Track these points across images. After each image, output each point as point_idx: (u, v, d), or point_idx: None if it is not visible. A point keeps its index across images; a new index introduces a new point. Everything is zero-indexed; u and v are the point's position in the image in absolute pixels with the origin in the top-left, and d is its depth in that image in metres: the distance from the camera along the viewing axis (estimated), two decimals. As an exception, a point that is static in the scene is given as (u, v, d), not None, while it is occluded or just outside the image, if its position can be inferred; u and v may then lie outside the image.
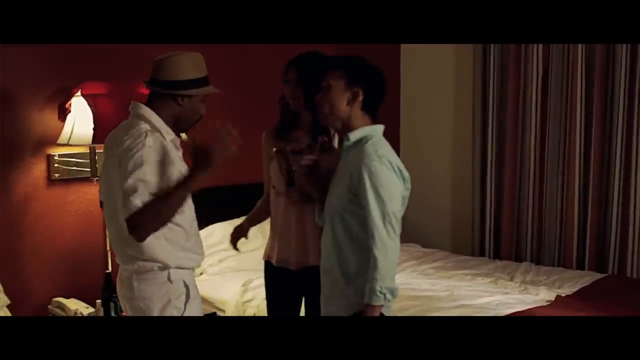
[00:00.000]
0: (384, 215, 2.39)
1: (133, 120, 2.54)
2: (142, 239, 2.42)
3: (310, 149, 2.74)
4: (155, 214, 2.41)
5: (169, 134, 2.56)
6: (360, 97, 2.48)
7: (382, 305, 2.41)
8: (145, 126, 2.50)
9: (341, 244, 2.50)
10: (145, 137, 2.44)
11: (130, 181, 2.39)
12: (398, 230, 2.44)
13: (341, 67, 2.51)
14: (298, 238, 2.95)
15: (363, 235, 2.43)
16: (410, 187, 2.55)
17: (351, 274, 2.49)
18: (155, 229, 2.43)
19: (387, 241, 2.39)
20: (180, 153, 2.62)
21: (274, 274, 3.07)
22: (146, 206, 2.39)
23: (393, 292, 2.42)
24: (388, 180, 2.41)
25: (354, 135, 2.50)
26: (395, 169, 2.45)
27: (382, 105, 2.59)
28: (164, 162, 2.46)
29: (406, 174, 2.51)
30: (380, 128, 2.55)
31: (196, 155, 2.49)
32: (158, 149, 2.46)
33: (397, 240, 2.44)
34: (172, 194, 2.45)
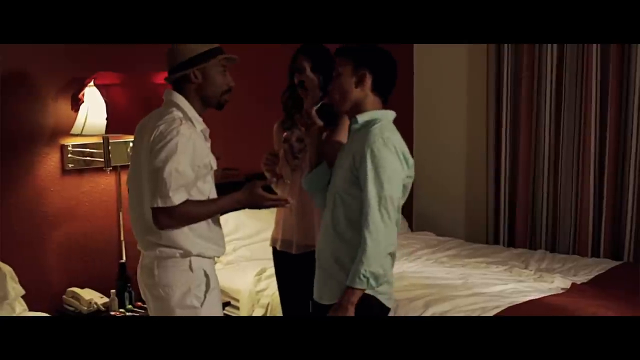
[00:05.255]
0: (380, 198, 2.35)
1: (166, 108, 2.54)
2: (162, 229, 2.47)
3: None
4: (187, 217, 2.47)
5: (199, 124, 2.56)
6: (369, 79, 2.47)
7: (362, 290, 2.37)
8: (178, 114, 2.50)
9: (338, 226, 2.47)
10: (180, 125, 2.44)
11: (165, 170, 2.39)
12: (394, 215, 2.39)
13: (347, 53, 2.51)
14: (299, 222, 2.98)
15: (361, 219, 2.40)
16: (413, 175, 2.50)
17: (345, 257, 2.45)
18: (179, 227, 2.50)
19: (379, 225, 2.35)
20: (208, 144, 2.62)
21: (277, 260, 3.14)
22: (183, 207, 2.42)
23: (378, 278, 2.37)
24: (390, 163, 2.38)
25: (362, 118, 2.49)
26: (399, 153, 2.41)
27: (394, 98, 2.57)
28: (194, 152, 2.46)
29: (411, 160, 2.48)
30: (390, 113, 2.53)
31: (250, 192, 2.55)
32: (190, 138, 2.45)
33: (392, 225, 2.39)
34: (210, 207, 2.53)
